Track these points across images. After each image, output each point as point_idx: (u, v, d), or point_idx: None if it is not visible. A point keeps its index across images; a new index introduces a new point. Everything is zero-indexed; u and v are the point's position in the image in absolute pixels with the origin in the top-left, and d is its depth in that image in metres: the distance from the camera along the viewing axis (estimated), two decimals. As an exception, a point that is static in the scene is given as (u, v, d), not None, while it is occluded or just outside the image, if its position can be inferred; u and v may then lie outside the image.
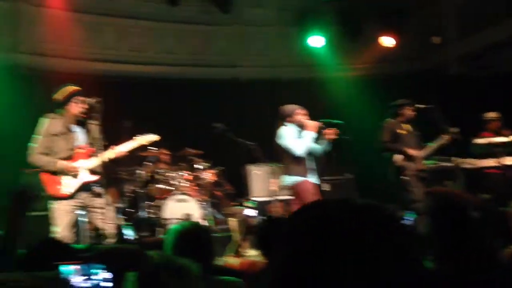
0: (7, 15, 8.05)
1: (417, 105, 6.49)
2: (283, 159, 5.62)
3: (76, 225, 4.60)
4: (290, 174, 5.54)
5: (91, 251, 1.78)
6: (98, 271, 1.24)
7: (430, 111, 6.39)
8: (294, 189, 5.52)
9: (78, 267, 1.24)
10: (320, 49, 9.81)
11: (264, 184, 7.31)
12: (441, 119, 6.32)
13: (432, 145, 6.40)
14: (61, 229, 4.38)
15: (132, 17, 9.13)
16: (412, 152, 6.30)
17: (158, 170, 7.21)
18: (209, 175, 7.30)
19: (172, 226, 2.58)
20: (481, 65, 9.70)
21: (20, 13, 8.13)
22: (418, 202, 5.69)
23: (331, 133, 5.58)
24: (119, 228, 5.33)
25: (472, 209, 1.86)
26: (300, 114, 5.68)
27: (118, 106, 7.34)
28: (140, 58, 9.22)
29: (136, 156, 5.10)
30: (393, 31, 9.79)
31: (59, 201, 4.45)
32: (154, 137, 4.90)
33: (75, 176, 4.43)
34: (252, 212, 4.27)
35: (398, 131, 6.44)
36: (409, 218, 3.82)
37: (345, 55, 10.07)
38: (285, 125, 5.63)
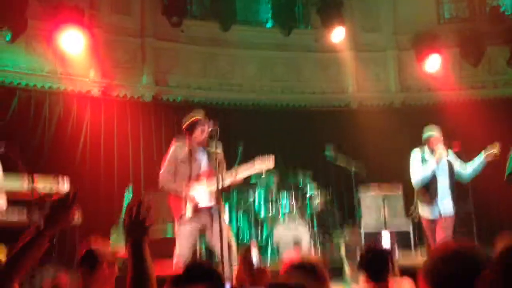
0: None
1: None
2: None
3: (195, 247, 4.81)
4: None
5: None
6: None
7: None
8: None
9: None
10: (437, 72, 9.38)
11: (376, 211, 7.02)
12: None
13: None
14: (181, 250, 4.63)
15: (245, 48, 9.47)
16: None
17: (268, 195, 7.28)
18: (317, 203, 7.22)
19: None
20: None
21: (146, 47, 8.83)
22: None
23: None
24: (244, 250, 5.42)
25: None
26: (435, 140, 5.45)
27: (233, 132, 7.65)
28: (254, 86, 9.49)
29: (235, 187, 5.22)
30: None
31: (182, 224, 4.69)
32: (271, 165, 4.95)
33: (192, 201, 4.63)
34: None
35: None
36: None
37: (464, 77, 9.53)
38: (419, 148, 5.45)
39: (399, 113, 9.46)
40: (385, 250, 3.11)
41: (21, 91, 7.60)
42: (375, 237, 6.76)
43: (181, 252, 4.60)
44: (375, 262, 2.84)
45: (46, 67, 7.85)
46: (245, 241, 6.97)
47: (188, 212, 4.67)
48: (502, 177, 6.03)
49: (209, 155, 4.76)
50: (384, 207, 6.55)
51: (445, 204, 5.25)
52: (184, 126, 4.84)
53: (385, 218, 6.54)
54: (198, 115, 4.87)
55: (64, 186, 5.14)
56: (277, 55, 9.66)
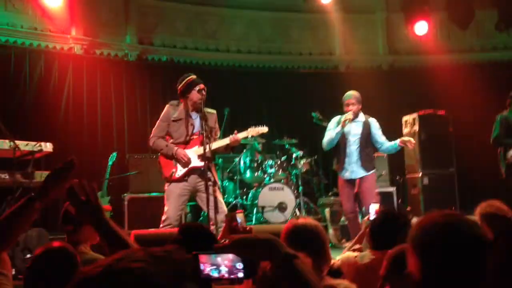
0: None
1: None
2: None
3: (185, 209, 4.81)
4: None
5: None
6: (231, 260, 1.25)
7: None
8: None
9: (210, 256, 1.26)
10: (426, 35, 9.32)
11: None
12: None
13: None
14: (170, 209, 4.63)
15: (232, 7, 9.26)
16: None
17: (254, 158, 7.28)
18: (303, 164, 7.25)
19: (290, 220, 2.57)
20: None
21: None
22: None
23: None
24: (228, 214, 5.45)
25: None
26: (345, 104, 5.41)
27: (219, 95, 7.56)
28: (241, 47, 9.33)
29: (229, 150, 5.21)
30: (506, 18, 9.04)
31: (172, 184, 4.69)
32: (264, 129, 4.99)
33: (187, 163, 4.60)
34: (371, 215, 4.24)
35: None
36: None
37: (452, 41, 9.50)
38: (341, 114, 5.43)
39: (387, 76, 9.42)
40: (401, 215, 2.90)
41: (1, 48, 7.38)
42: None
43: (170, 214, 4.60)
44: (387, 229, 2.68)
45: (26, 24, 7.61)
46: (230, 202, 6.99)
47: (179, 171, 4.66)
48: (488, 140, 6.11)
49: (203, 116, 4.71)
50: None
51: (354, 167, 5.28)
52: (179, 86, 4.76)
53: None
54: (193, 76, 4.81)
55: (47, 146, 5.05)
56: (264, 15, 9.47)
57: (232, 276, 1.24)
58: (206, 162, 4.53)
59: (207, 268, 1.24)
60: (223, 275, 1.24)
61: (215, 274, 1.24)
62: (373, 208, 3.49)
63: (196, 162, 4.68)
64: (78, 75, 7.86)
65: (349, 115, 5.23)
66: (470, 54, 9.52)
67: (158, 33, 8.78)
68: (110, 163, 6.97)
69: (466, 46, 9.57)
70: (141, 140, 8.05)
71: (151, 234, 4.50)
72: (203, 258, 1.24)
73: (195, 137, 4.75)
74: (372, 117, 5.55)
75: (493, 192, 5.29)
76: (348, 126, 5.27)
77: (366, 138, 5.36)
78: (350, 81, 9.13)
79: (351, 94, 5.42)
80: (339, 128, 5.26)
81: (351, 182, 5.31)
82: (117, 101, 8.17)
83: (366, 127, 5.38)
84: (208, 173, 4.55)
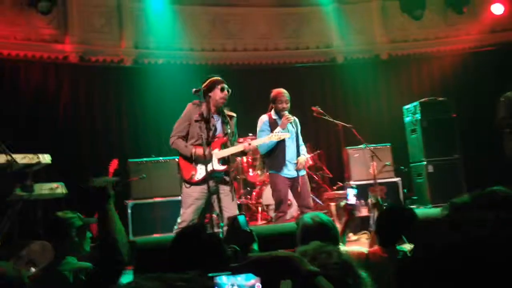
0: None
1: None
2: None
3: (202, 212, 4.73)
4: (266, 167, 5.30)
5: (242, 259, 1.77)
6: (249, 281, 1.19)
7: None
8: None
9: (227, 277, 1.20)
10: (423, 22, 9.22)
11: (363, 167, 7.04)
12: None
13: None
14: (186, 212, 4.55)
15: (225, 5, 9.19)
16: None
17: (257, 157, 7.23)
18: (307, 159, 7.17)
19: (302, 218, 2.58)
20: None
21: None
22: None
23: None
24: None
25: None
26: (281, 101, 5.18)
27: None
28: (237, 44, 9.26)
29: (245, 154, 5.15)
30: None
31: (190, 187, 4.60)
32: (286, 135, 4.90)
33: (207, 164, 4.52)
34: (353, 197, 4.13)
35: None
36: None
37: (450, 26, 9.39)
38: (269, 112, 5.27)
39: (385, 65, 9.33)
40: (406, 210, 2.90)
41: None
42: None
43: (186, 217, 4.52)
44: (393, 225, 2.67)
45: (19, 34, 7.58)
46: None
47: (198, 174, 4.57)
48: (492, 124, 6.03)
49: (224, 118, 4.64)
50: (372, 161, 6.52)
51: (292, 166, 5.18)
52: (203, 86, 4.65)
53: (374, 172, 6.53)
54: (216, 76, 4.75)
55: (45, 157, 5.00)
56: (259, 12, 9.38)
57: None
58: (227, 166, 4.49)
59: None
60: None
61: None
62: (352, 193, 3.47)
63: (216, 166, 4.56)
64: (75, 83, 7.82)
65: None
66: (468, 41, 9.40)
67: (153, 36, 8.72)
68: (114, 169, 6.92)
69: (463, 33, 9.44)
70: (143, 145, 8.03)
71: (158, 239, 4.46)
72: (221, 279, 1.18)
73: (216, 139, 4.64)
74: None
75: (499, 176, 5.22)
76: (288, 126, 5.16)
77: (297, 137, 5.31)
78: (348, 72, 9.08)
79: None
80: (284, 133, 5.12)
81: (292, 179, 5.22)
82: (116, 107, 8.12)
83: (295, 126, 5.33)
84: (226, 177, 4.52)
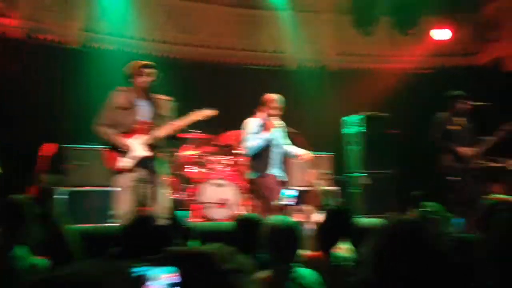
0: None
1: (472, 103, 6.18)
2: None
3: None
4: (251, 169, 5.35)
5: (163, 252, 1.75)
6: (168, 274, 1.20)
7: (485, 109, 6.10)
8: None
9: (149, 269, 1.20)
10: (371, 38, 9.58)
11: (303, 173, 7.22)
12: (495, 117, 6.03)
13: (485, 143, 6.11)
14: (121, 203, 4.44)
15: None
16: (462, 151, 6.03)
17: (198, 154, 7.22)
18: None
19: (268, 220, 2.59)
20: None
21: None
22: (463, 205, 5.44)
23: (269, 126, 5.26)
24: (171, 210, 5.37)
25: None
26: (273, 108, 5.37)
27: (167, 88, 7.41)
28: (189, 40, 9.20)
29: (176, 138, 5.10)
30: (447, 25, 9.44)
31: (119, 176, 4.50)
32: (210, 112, 4.80)
33: (128, 152, 4.42)
34: (289, 199, 4.26)
35: (449, 127, 6.15)
36: (456, 222, 3.62)
37: (394, 46, 9.81)
38: (256, 115, 5.42)
39: (333, 77, 9.60)
40: (345, 211, 2.98)
41: None
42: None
43: (121, 207, 4.41)
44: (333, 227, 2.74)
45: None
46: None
47: (124, 162, 4.48)
48: (427, 142, 6.36)
49: (153, 103, 4.56)
50: (311, 168, 6.70)
51: (278, 169, 5.38)
52: (127, 71, 4.60)
53: (311, 179, 6.71)
54: (141, 61, 4.68)
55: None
56: (217, 10, 9.38)
57: None
58: (153, 152, 4.41)
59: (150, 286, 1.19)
60: None
61: None
62: (289, 195, 3.60)
63: (142, 152, 4.50)
64: (19, 60, 7.49)
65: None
66: (411, 60, 9.86)
67: (105, 20, 8.49)
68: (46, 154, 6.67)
69: (407, 53, 9.89)
70: (84, 131, 7.77)
71: (97, 229, 4.38)
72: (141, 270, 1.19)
73: (143, 125, 4.55)
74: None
75: (430, 192, 5.53)
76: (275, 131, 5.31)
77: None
78: (299, 80, 9.26)
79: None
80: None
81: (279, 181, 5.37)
82: (60, 89, 7.84)
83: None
84: (154, 163, 4.44)
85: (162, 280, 1.22)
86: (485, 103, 6.14)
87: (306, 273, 2.25)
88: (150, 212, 4.16)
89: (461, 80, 8.51)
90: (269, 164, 5.27)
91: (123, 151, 4.47)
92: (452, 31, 9.47)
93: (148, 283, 1.21)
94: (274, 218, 2.59)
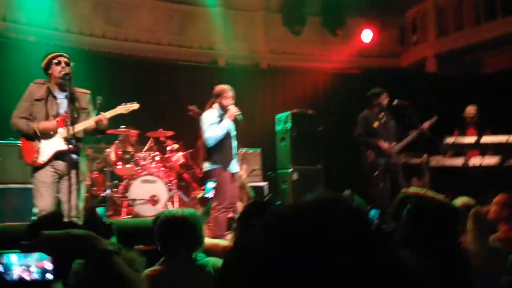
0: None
1: (392, 100, 6.47)
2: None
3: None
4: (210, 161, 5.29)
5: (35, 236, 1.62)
6: (40, 261, 1.11)
7: (405, 107, 6.39)
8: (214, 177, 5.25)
9: (17, 256, 1.10)
10: (302, 37, 9.76)
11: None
12: (414, 115, 6.32)
13: (404, 140, 6.41)
14: (41, 200, 4.23)
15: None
16: (384, 146, 6.28)
17: (127, 150, 7.04)
18: (178, 157, 7.17)
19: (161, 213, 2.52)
20: (458, 65, 9.77)
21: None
22: (384, 198, 5.66)
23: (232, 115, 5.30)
24: (90, 206, 5.18)
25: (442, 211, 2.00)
26: (228, 97, 5.40)
27: (91, 82, 7.15)
28: (118, 33, 8.94)
29: (103, 133, 4.94)
30: (373, 26, 9.81)
31: (38, 172, 4.31)
32: (134, 106, 4.79)
33: (51, 144, 4.24)
34: (211, 192, 4.32)
35: (373, 124, 6.40)
36: (374, 215, 3.77)
37: (324, 46, 10.05)
38: (212, 108, 5.43)
39: (264, 75, 9.68)
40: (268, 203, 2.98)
41: None
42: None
43: (42, 204, 4.18)
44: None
45: None
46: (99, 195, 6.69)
47: (42, 156, 4.29)
48: (351, 139, 6.56)
49: (70, 95, 4.38)
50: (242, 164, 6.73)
51: (234, 162, 5.47)
52: (42, 64, 4.46)
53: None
54: (55, 53, 4.53)
55: None
56: (146, 3, 9.19)
57: (44, 279, 1.12)
58: (70, 145, 4.25)
59: (17, 270, 1.11)
60: (33, 277, 1.12)
61: (25, 276, 1.11)
62: (211, 185, 3.62)
63: (60, 146, 4.34)
64: None
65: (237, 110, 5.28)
66: (340, 61, 10.15)
67: (25, 10, 8.07)
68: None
69: (336, 53, 10.16)
70: (2, 124, 7.35)
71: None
72: (9, 259, 1.11)
73: (60, 118, 4.38)
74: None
75: (355, 187, 5.69)
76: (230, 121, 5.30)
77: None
78: (229, 77, 9.24)
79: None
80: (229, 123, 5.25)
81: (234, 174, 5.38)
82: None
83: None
84: (75, 157, 4.28)
85: (33, 268, 1.14)
86: (405, 101, 6.41)
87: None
88: (58, 209, 4.00)
89: (386, 80, 8.87)
90: (228, 155, 5.26)
91: (39, 147, 4.29)
92: (378, 34, 9.85)
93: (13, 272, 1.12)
94: (168, 211, 2.54)
